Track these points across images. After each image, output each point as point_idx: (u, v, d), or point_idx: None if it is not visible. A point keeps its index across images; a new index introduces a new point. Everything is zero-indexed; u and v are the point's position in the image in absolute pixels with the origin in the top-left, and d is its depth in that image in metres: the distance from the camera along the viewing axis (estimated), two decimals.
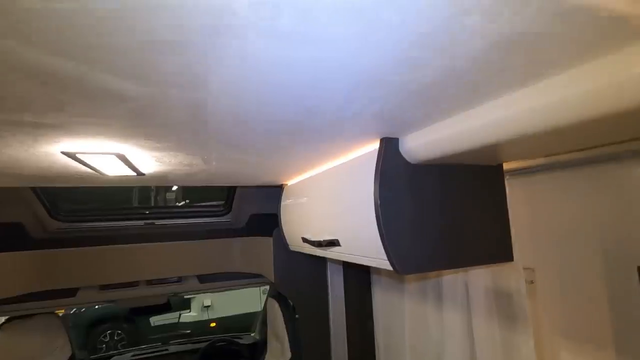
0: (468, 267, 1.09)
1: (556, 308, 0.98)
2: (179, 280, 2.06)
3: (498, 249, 0.92)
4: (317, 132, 0.76)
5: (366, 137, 0.83)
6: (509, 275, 1.02)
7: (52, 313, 1.98)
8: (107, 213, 2.16)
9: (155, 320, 5.16)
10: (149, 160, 0.96)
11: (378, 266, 0.88)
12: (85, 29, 0.32)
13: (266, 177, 1.48)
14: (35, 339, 1.92)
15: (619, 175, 0.82)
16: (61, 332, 2.00)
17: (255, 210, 2.27)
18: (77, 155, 0.82)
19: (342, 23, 0.33)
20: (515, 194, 1.03)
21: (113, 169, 1.01)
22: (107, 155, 0.84)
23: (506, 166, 0.98)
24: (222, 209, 2.34)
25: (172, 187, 3.75)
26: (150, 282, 1.99)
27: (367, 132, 0.79)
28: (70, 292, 1.85)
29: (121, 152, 0.83)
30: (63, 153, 0.79)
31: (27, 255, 1.80)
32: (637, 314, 0.75)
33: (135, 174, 1.11)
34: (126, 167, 0.98)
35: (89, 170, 1.00)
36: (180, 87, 0.47)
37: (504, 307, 1.04)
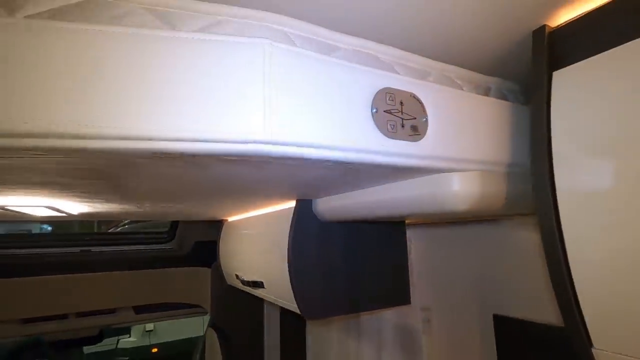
0: (370, 311, 1.23)
1: (448, 343, 1.15)
2: (113, 311, 2.01)
3: (397, 294, 1.08)
4: (238, 195, 0.87)
5: (285, 198, 0.95)
6: (411, 315, 1.18)
7: None
8: (38, 239, 2.08)
9: (89, 347, 4.80)
10: (80, 207, 1.01)
11: (292, 310, 1.00)
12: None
13: (205, 215, 1.55)
14: None
15: (488, 234, 1.01)
16: None
17: (200, 236, 2.29)
18: (6, 207, 0.86)
19: (231, 166, 0.45)
20: (417, 242, 1.21)
21: (42, 213, 1.04)
22: (37, 207, 0.89)
23: (409, 219, 1.15)
24: (165, 235, 2.33)
25: None
26: (80, 314, 1.93)
27: (284, 197, 0.92)
28: None
29: (52, 205, 0.88)
30: None
31: None
32: (493, 356, 0.93)
33: (65, 215, 1.15)
34: (56, 212, 1.02)
35: (16, 213, 1.02)
36: (109, 180, 0.56)
37: (407, 343, 1.20)
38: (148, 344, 6.16)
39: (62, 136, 0.33)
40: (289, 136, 0.37)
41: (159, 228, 2.47)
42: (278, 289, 1.06)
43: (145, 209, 1.17)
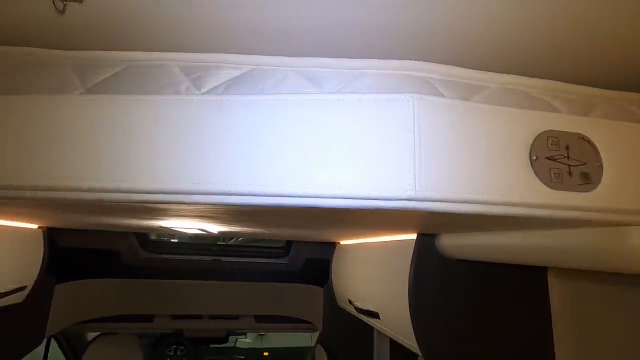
0: None
1: None
2: (237, 317, 2.25)
3: (538, 351, 0.92)
4: (356, 226, 0.88)
5: (405, 231, 0.92)
6: None
7: (132, 333, 2.30)
8: (184, 246, 2.48)
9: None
10: (221, 228, 1.16)
11: (411, 349, 0.94)
12: None
13: (319, 238, 1.62)
14: (117, 353, 2.24)
15: None
16: (137, 349, 2.30)
17: (311, 254, 2.40)
18: (172, 228, 1.04)
19: None
20: (561, 288, 1.02)
21: (193, 232, 1.23)
22: (191, 229, 1.05)
23: None
24: (281, 251, 2.52)
25: None
26: (212, 317, 2.21)
27: (405, 230, 0.89)
28: (149, 318, 2.14)
29: (201, 227, 1.03)
30: (161, 226, 1.02)
31: (119, 283, 2.14)
32: None
33: (207, 233, 1.34)
34: (204, 232, 1.20)
35: (175, 231, 1.24)
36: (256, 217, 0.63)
37: None
38: (260, 346, 6.69)
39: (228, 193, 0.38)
40: (438, 192, 0.36)
41: (275, 243, 2.69)
42: (395, 324, 1.02)
43: (270, 231, 1.29)
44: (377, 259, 1.19)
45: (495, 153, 0.38)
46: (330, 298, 1.79)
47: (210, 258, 2.42)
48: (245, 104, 0.39)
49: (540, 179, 0.39)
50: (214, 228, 1.11)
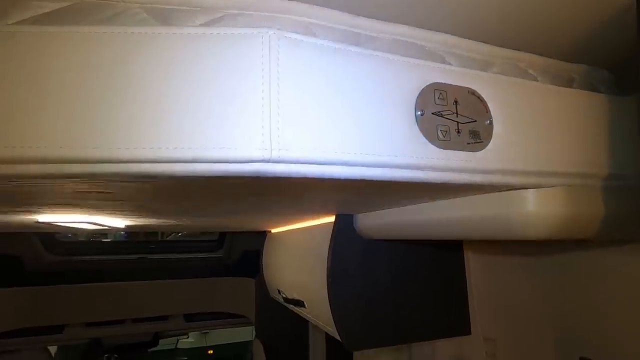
0: (424, 342, 1.09)
1: None
2: (165, 318, 2.07)
3: (455, 323, 0.94)
4: (272, 212, 0.81)
5: (323, 213, 0.87)
6: (471, 347, 1.02)
7: (42, 348, 2.02)
8: (101, 246, 2.22)
9: None
10: (125, 222, 1.01)
11: (333, 336, 0.90)
12: None
13: (248, 227, 1.52)
14: None
15: (574, 258, 0.82)
16: None
17: (248, 246, 2.29)
18: (53, 223, 0.88)
19: None
20: (478, 262, 1.05)
21: (89, 227, 1.07)
22: (81, 223, 0.90)
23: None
24: (215, 244, 2.37)
25: None
26: (136, 320, 2.02)
27: (321, 212, 0.83)
28: (58, 329, 1.89)
29: (92, 220, 0.88)
30: (38, 222, 0.85)
31: (19, 292, 1.86)
32: None
33: (113, 227, 1.17)
34: (102, 226, 1.04)
35: (67, 227, 1.06)
36: (129, 201, 0.52)
37: None
38: (204, 345, 6.42)
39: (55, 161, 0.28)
40: (303, 152, 0.29)
41: (208, 236, 2.52)
42: (319, 311, 0.98)
43: (186, 223, 1.16)
44: (301, 245, 1.14)
45: (376, 106, 0.33)
46: (263, 289, 1.71)
47: (135, 256, 2.20)
48: (55, 36, 0.29)
49: (427, 137, 0.34)
50: (110, 221, 0.96)
